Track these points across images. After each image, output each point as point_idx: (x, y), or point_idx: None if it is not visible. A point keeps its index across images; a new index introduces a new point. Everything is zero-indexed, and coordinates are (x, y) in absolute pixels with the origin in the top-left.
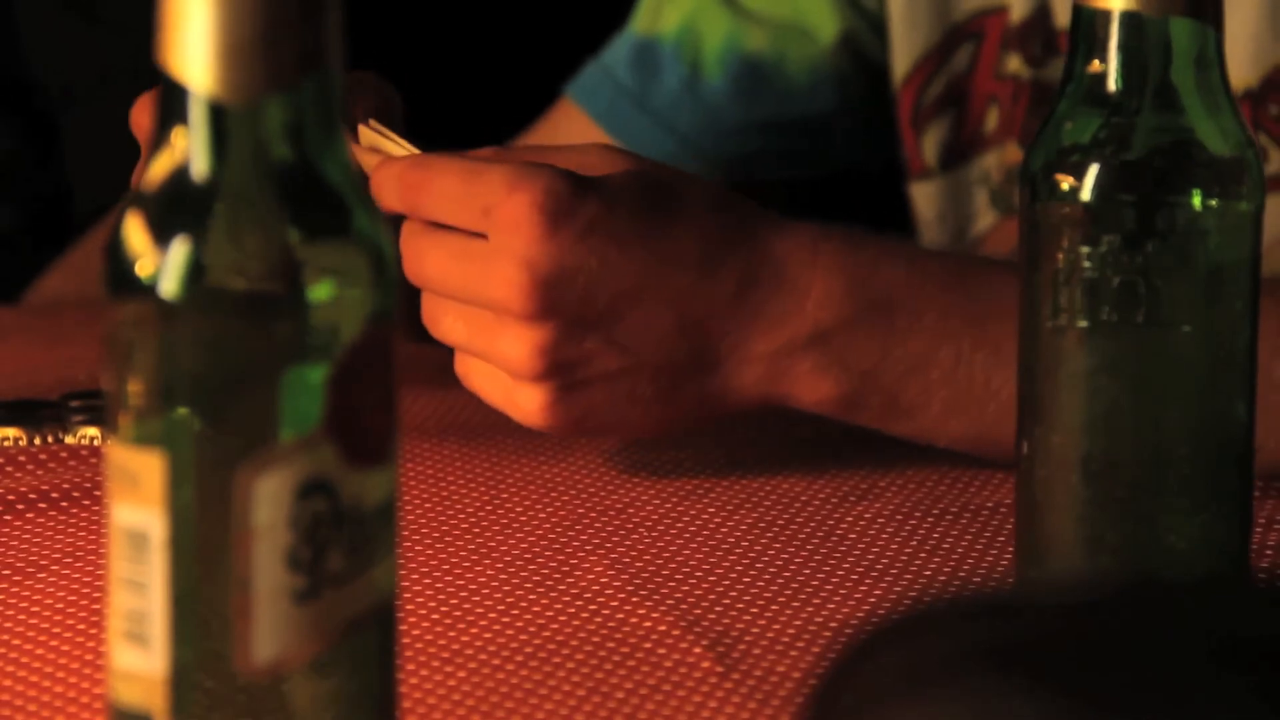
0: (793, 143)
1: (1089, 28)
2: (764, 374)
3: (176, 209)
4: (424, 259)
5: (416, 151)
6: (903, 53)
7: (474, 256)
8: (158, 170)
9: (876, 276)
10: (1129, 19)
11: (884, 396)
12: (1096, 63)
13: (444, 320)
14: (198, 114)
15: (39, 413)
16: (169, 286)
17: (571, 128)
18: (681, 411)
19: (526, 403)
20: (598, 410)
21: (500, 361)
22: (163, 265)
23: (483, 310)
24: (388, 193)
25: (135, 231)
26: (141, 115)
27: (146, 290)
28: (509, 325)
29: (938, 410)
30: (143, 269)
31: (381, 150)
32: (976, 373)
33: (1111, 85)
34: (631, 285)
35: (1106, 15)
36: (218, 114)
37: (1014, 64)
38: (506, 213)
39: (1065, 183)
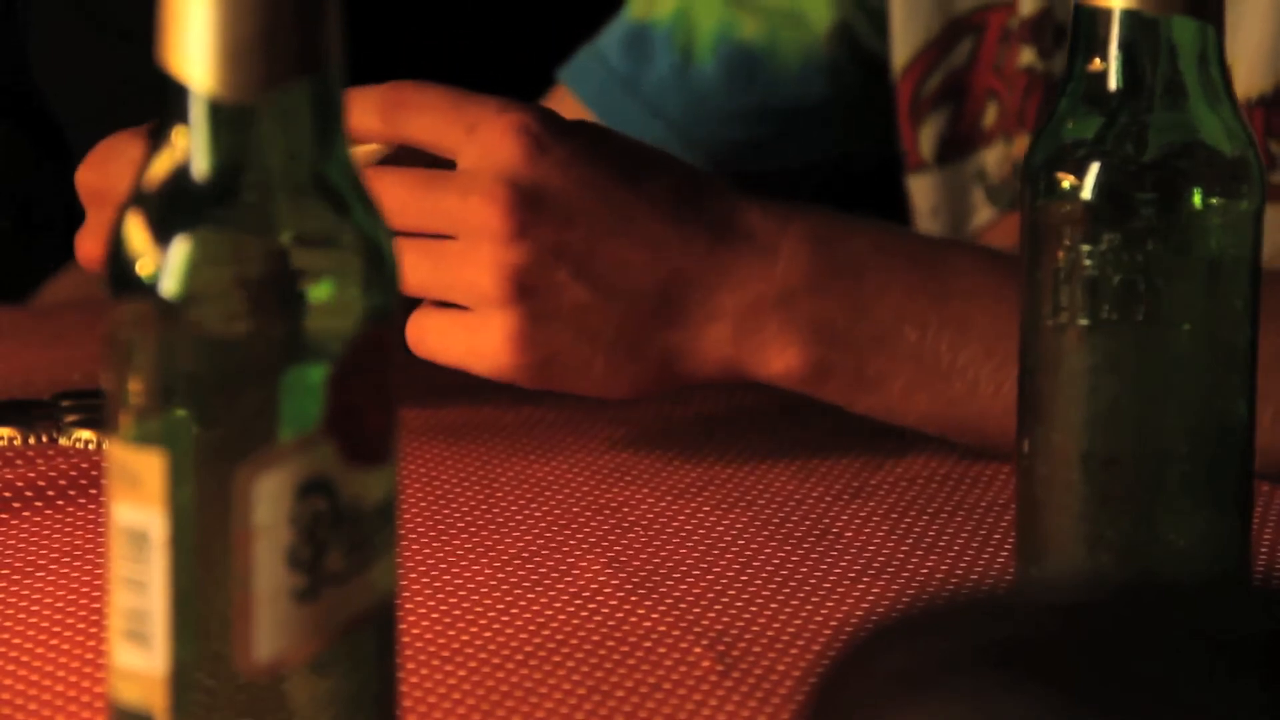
0: (782, 130)
1: (1089, 26)
2: (730, 333)
3: (177, 208)
4: (387, 193)
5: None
6: (903, 43)
7: (445, 184)
8: (158, 169)
9: (845, 246)
10: (1129, 17)
11: (850, 365)
12: (1097, 61)
13: (403, 259)
14: (198, 113)
15: (31, 413)
16: (169, 286)
17: (563, 111)
18: (646, 368)
19: (490, 339)
20: (563, 354)
21: (466, 290)
22: (163, 264)
23: (449, 241)
24: (368, 113)
25: (135, 231)
26: (87, 175)
27: (147, 290)
28: (480, 249)
29: (902, 385)
30: (143, 268)
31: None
32: (943, 349)
33: (1112, 84)
34: (608, 221)
35: (1107, 14)
36: (218, 113)
37: (1027, 56)
38: (494, 129)
39: (1066, 181)
